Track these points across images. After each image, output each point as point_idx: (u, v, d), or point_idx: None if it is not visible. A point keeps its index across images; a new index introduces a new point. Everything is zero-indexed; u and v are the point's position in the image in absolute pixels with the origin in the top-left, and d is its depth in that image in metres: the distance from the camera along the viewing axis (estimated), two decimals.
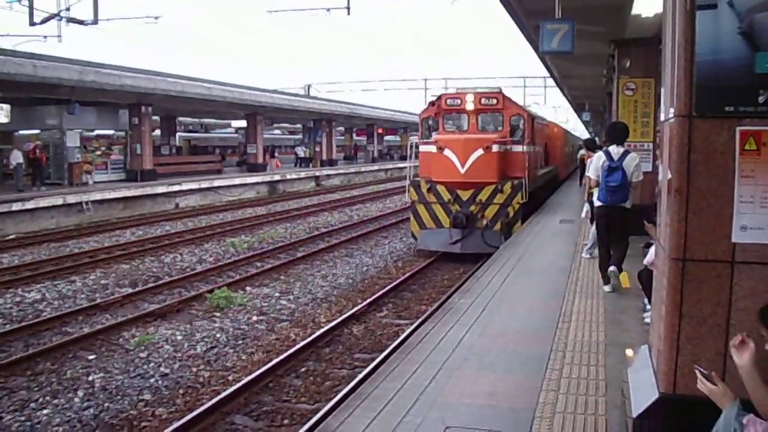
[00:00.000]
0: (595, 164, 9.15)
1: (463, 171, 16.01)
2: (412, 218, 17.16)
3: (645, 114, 14.04)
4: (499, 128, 17.08)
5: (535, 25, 13.01)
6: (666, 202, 3.92)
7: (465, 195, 16.36)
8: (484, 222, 16.15)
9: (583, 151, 21.26)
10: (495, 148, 16.05)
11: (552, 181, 25.58)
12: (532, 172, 17.61)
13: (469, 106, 16.90)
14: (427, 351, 6.65)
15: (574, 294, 9.00)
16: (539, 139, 20.64)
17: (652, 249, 6.87)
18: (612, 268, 9.01)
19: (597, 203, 9.22)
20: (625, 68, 14.49)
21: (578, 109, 44.46)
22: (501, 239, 15.44)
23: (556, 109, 54.59)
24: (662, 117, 4.28)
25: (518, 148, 16.92)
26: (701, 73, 3.59)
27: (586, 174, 9.83)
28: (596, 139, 24.83)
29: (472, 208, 16.26)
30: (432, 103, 17.95)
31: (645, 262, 7.39)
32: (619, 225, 8.91)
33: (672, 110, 3.78)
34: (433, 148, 16.56)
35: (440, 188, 16.52)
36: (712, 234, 3.62)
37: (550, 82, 36.70)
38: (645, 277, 7.12)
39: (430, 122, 17.93)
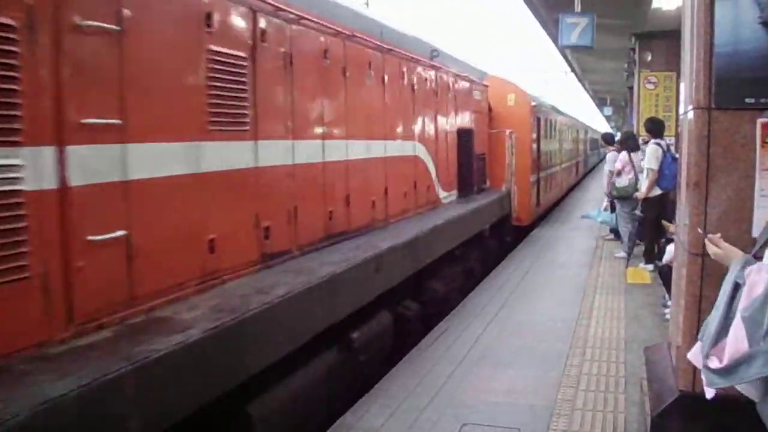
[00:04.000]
0: (655, 155, 9.37)
1: None
2: None
3: (667, 108, 13.89)
4: None
5: (555, 19, 12.91)
6: (685, 197, 3.85)
7: None
8: None
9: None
10: None
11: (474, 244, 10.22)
12: None
13: None
14: (445, 347, 6.61)
15: (594, 289, 8.92)
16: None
17: (672, 245, 6.78)
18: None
19: (656, 192, 9.40)
20: (647, 62, 14.35)
21: (600, 104, 44.08)
22: None
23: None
24: (681, 110, 4.22)
25: None
26: (720, 64, 3.53)
27: (647, 167, 9.72)
28: (616, 134, 22.83)
29: None
30: None
31: (665, 259, 7.30)
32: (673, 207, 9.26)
33: (691, 103, 3.71)
34: None
35: None
36: (731, 229, 3.55)
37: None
38: (665, 273, 7.03)
39: None
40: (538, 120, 15.27)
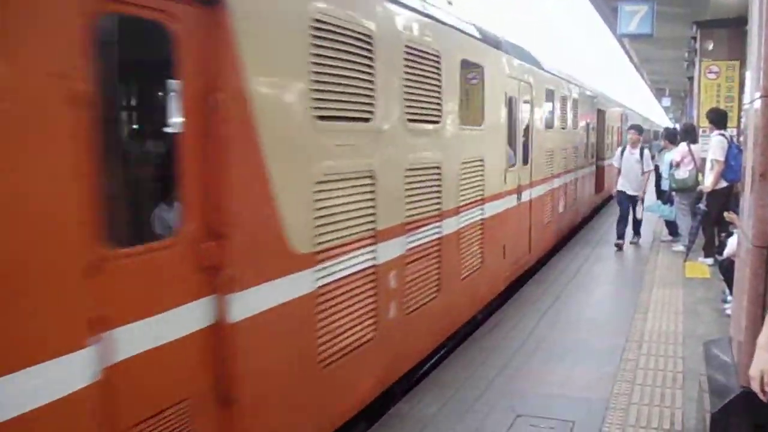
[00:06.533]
0: (721, 146, 9.15)
1: None
2: None
3: (729, 98, 13.49)
4: None
5: (613, 7, 12.66)
6: (749, 188, 3.75)
7: None
8: None
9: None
10: None
11: None
12: None
13: None
14: (498, 339, 6.59)
15: (651, 283, 8.76)
16: None
17: (733, 238, 6.62)
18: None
19: (722, 184, 9.19)
20: (708, 51, 13.95)
21: (658, 95, 43.09)
22: None
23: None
24: (747, 99, 4.10)
25: None
26: None
27: (713, 158, 9.44)
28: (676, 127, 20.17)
29: None
30: None
31: (726, 253, 7.12)
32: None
33: (758, 90, 3.61)
34: None
35: None
36: None
37: None
38: (726, 267, 6.86)
39: None
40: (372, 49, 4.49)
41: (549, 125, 10.55)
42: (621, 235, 11.45)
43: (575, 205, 13.16)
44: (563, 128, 11.62)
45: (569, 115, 12.12)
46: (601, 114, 16.56)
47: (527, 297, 8.23)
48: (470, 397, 5.16)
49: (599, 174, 16.25)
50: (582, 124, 13.71)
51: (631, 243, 11.75)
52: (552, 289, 8.56)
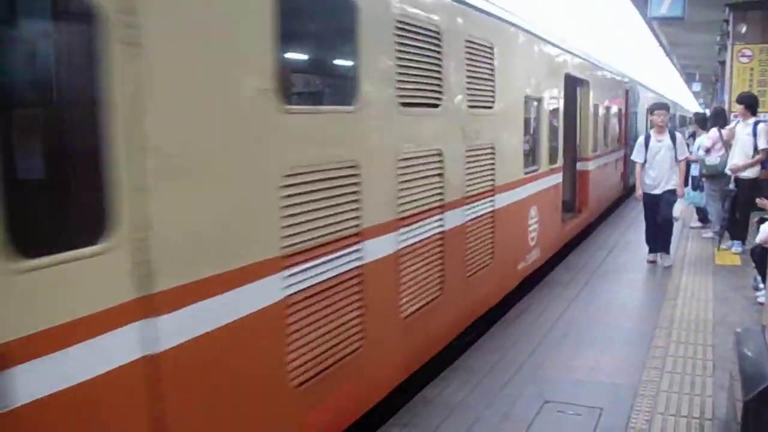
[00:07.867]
0: None
1: None
2: None
3: (762, 83, 13.28)
4: None
5: None
6: None
7: None
8: None
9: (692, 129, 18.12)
10: None
11: None
12: None
13: None
14: (526, 325, 6.58)
15: (681, 270, 8.67)
16: None
17: (765, 226, 6.53)
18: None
19: (757, 172, 9.22)
20: (741, 34, 13.71)
21: (688, 80, 42.44)
22: None
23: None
24: None
25: None
26: None
27: (764, 148, 9.28)
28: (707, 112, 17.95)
29: None
30: None
31: (758, 240, 7.03)
32: None
33: None
34: None
35: None
36: None
37: None
38: (758, 255, 6.78)
39: None
40: None
41: (338, 96, 4.35)
42: (653, 248, 9.27)
43: (495, 266, 6.63)
44: (431, 106, 5.12)
45: (454, 76, 5.49)
46: (582, 86, 11.11)
47: (557, 283, 8.20)
48: (498, 383, 5.16)
49: (581, 184, 11.23)
50: (514, 96, 7.29)
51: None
52: (581, 275, 8.52)
